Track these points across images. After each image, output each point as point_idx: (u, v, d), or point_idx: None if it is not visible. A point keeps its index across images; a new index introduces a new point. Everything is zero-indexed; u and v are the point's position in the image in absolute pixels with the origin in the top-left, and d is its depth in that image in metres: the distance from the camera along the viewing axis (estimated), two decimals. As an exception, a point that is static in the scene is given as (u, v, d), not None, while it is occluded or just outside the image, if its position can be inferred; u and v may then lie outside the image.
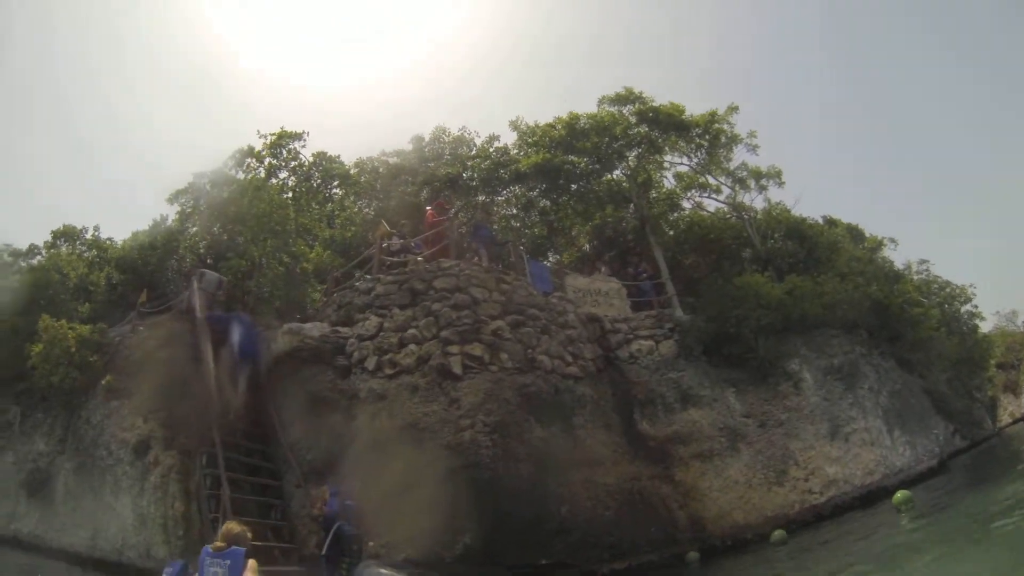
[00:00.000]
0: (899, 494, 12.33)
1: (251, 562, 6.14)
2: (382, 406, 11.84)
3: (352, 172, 23.67)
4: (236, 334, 13.08)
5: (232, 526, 6.57)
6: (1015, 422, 28.00)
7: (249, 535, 6.56)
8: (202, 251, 19.10)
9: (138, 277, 18.81)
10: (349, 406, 12.06)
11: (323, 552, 8.99)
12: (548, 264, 17.54)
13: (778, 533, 12.61)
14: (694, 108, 21.73)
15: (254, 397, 12.91)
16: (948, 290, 29.91)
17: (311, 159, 23.01)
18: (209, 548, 6.27)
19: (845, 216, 27.97)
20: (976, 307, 29.82)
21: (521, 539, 10.69)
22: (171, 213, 21.16)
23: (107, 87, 79.86)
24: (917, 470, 15.71)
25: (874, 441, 15.30)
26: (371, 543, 9.27)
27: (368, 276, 14.43)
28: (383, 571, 8.68)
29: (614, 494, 12.15)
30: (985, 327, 33.76)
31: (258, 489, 11.85)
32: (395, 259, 14.74)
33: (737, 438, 14.39)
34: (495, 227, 18.96)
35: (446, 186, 19.99)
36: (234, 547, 6.19)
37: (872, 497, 14.04)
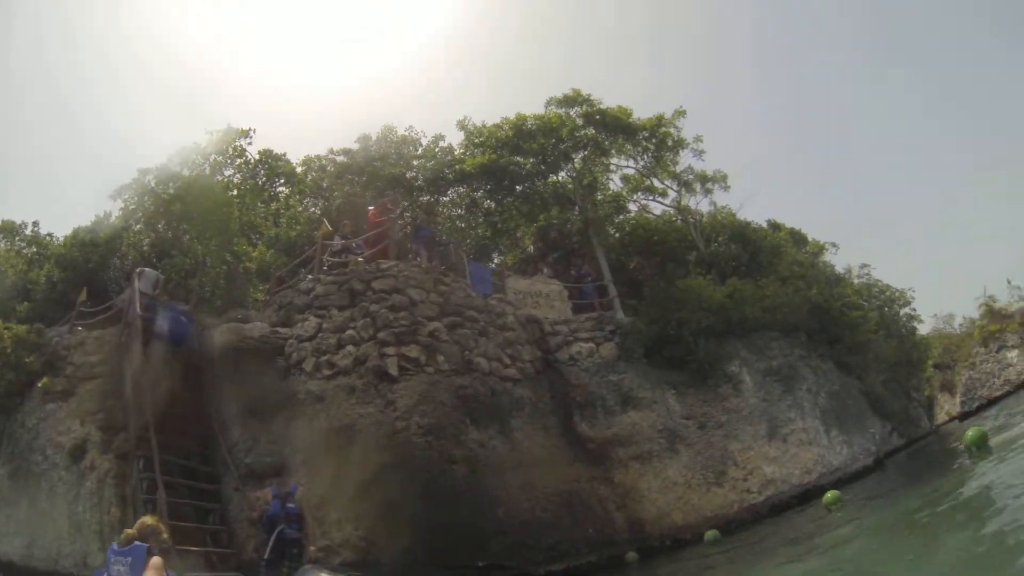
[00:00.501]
0: (829, 494, 12.57)
1: (154, 560, 5.63)
2: (320, 408, 11.64)
3: (299, 170, 23.19)
4: (165, 321, 12.79)
5: (145, 520, 6.23)
6: (951, 420, 28.82)
7: (164, 532, 6.25)
8: (146, 249, 18.54)
9: (79, 275, 18.11)
10: (288, 408, 11.83)
11: (265, 556, 8.78)
12: (492, 265, 17.43)
13: (711, 533, 12.79)
14: (645, 113, 21.79)
15: (192, 398, 12.55)
16: (888, 294, 30.63)
17: (257, 156, 22.49)
18: (115, 545, 5.86)
19: (790, 221, 28.39)
20: (915, 310, 30.60)
21: (458, 541, 10.57)
22: (114, 210, 20.43)
23: (55, 75, 77.50)
24: (854, 468, 16.09)
25: (812, 441, 15.56)
26: (312, 547, 9.08)
27: (309, 276, 14.20)
28: (323, 575, 8.54)
29: (552, 496, 12.12)
30: (923, 329, 34.78)
31: (196, 493, 11.49)
32: (336, 259, 14.53)
33: (677, 439, 14.44)
34: (438, 227, 18.77)
35: (391, 186, 19.74)
36: (136, 543, 5.85)
37: (809, 495, 14.30)
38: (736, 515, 13.80)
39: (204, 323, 13.62)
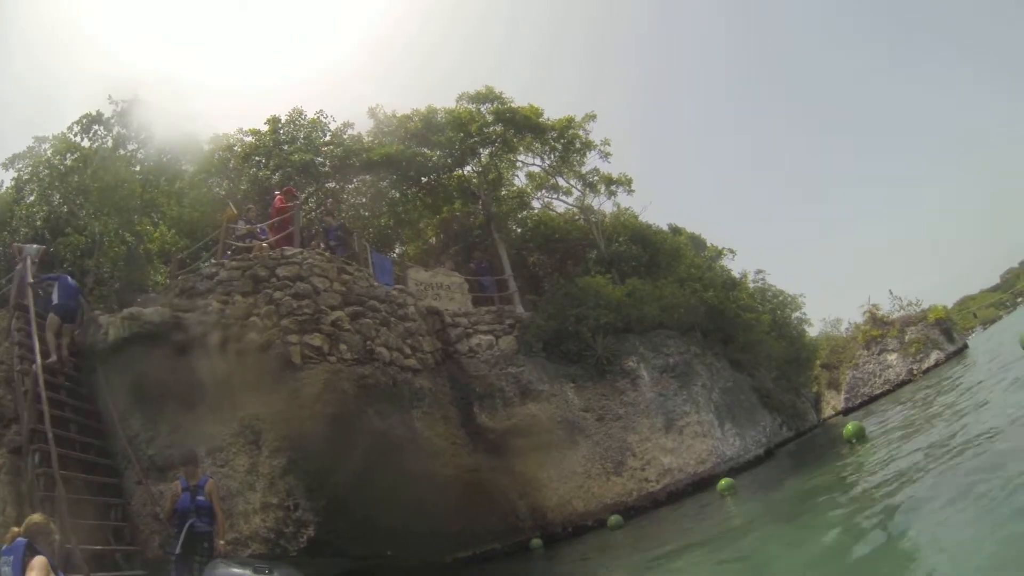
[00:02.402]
0: (723, 481, 13.06)
1: (37, 559, 5.33)
2: (222, 395, 11.12)
3: (206, 148, 22.15)
4: (56, 293, 12.16)
5: (33, 518, 5.88)
6: (836, 415, 30.42)
7: (55, 532, 5.90)
8: (39, 224, 17.17)
9: None
10: (189, 397, 11.17)
11: (175, 551, 8.34)
12: (393, 256, 17.19)
13: (614, 518, 13.03)
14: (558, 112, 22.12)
15: (87, 385, 11.78)
16: (781, 298, 32.11)
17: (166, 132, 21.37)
18: (3, 545, 5.55)
19: (691, 226, 29.42)
20: (805, 314, 32.19)
21: (363, 531, 10.37)
22: (6, 180, 19.27)
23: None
24: (746, 458, 16.71)
25: (706, 433, 16.02)
26: (221, 541, 8.71)
27: (212, 260, 13.67)
28: (234, 569, 8.15)
29: (455, 485, 12.04)
30: (812, 332, 36.60)
31: (95, 488, 10.60)
32: (240, 244, 14.06)
33: (576, 431, 14.64)
34: (342, 219, 18.33)
35: (298, 171, 19.21)
36: (17, 539, 5.50)
37: (704, 484, 14.74)
38: (635, 502, 14.12)
39: (95, 311, 12.93)
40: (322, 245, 14.69)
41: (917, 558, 4.98)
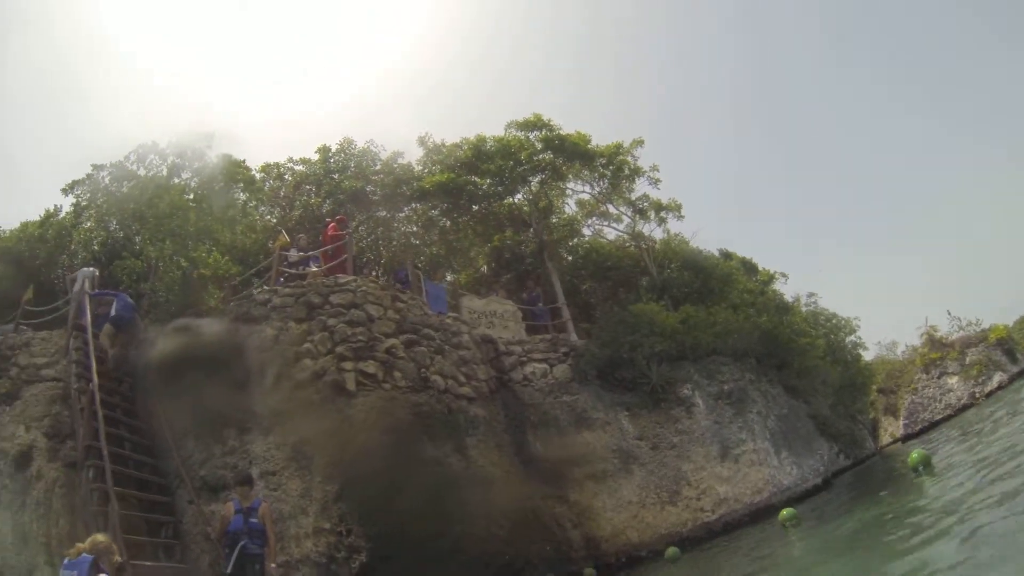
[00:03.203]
0: (784, 511, 12.72)
1: None
2: (275, 419, 11.40)
3: (257, 177, 22.85)
4: (114, 306, 12.80)
5: (98, 537, 6.16)
6: (894, 442, 29.56)
7: (116, 553, 6.13)
8: (96, 248, 17.94)
9: (24, 271, 17.49)
10: (243, 420, 11.55)
11: (226, 572, 8.56)
12: (444, 284, 17.41)
13: (671, 550, 12.76)
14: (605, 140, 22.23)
15: (142, 405, 12.21)
16: (834, 321, 31.46)
17: (216, 161, 22.14)
18: (67, 559, 5.86)
19: (741, 250, 29.09)
20: (860, 338, 31.46)
21: (416, 558, 10.36)
22: (66, 205, 20.02)
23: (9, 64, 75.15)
24: (803, 488, 16.32)
25: (762, 461, 15.74)
26: (272, 564, 8.89)
27: (266, 287, 14.00)
28: None
29: (508, 514, 11.98)
30: (868, 356, 35.77)
31: (147, 506, 10.98)
32: (293, 271, 14.41)
33: (630, 460, 14.52)
34: (393, 245, 18.60)
35: (349, 199, 19.64)
36: (83, 555, 5.76)
37: (761, 514, 14.45)
38: (690, 533, 13.89)
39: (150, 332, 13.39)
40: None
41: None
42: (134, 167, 20.09)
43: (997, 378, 26.89)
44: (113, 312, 12.79)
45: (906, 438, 28.02)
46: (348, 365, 11.92)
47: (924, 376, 29.79)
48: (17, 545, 10.95)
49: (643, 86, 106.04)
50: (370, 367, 12.04)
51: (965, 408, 26.50)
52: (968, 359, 28.41)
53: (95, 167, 20.01)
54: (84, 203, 19.71)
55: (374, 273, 14.91)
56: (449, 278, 21.98)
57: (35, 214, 20.06)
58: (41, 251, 18.15)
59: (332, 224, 16.00)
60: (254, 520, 8.82)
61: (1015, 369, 27.10)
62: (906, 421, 29.15)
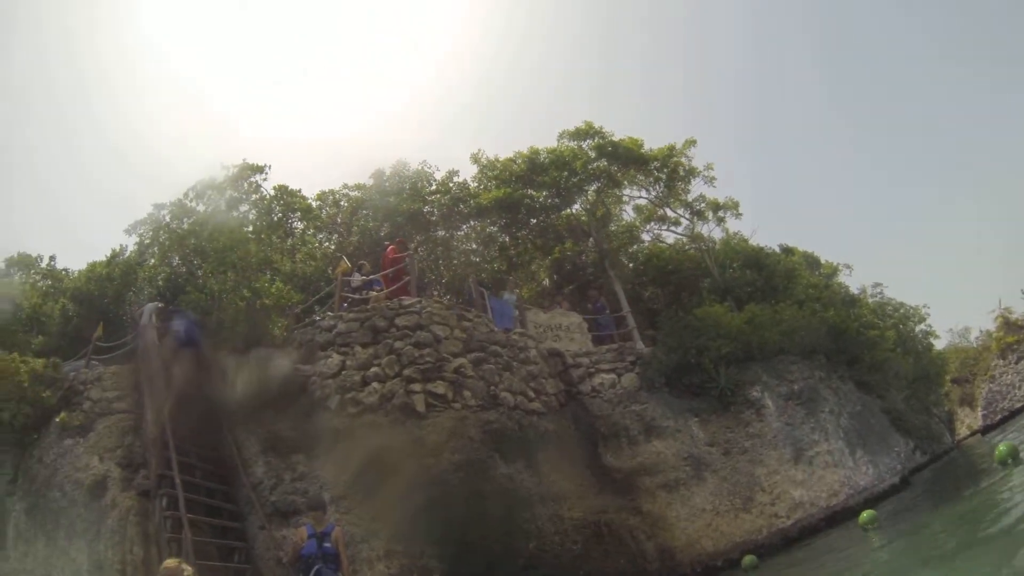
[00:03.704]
0: (864, 514, 12.52)
1: None
2: (347, 446, 11.69)
3: (313, 205, 23.45)
4: (179, 324, 13.20)
5: (169, 563, 6.51)
6: (973, 434, 28.61)
7: (187, 572, 6.47)
8: (160, 284, 18.58)
9: (94, 309, 18.34)
10: (312, 446, 11.91)
11: None
12: (511, 295, 17.55)
13: (748, 558, 12.65)
14: (655, 142, 22.18)
15: (212, 432, 12.61)
16: (902, 311, 30.67)
17: (272, 192, 22.86)
18: None
19: (802, 244, 28.63)
20: (930, 326, 30.58)
21: (490, 575, 10.63)
22: (129, 244, 20.87)
23: (69, 114, 78.70)
24: (881, 488, 15.99)
25: (837, 463, 15.51)
26: None
27: (330, 313, 14.39)
28: None
29: (581, 528, 12.11)
30: (939, 344, 34.72)
31: (219, 532, 11.42)
32: (356, 296, 14.76)
33: (702, 467, 14.45)
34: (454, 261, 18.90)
35: (407, 221, 20.04)
36: None
37: (838, 517, 14.23)
38: (765, 540, 13.71)
39: (222, 363, 13.84)
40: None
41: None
42: (193, 203, 20.81)
43: (1081, 360, 25.86)
44: (177, 328, 13.17)
45: (985, 429, 27.13)
46: (417, 387, 12.21)
47: (1001, 362, 28.76)
48: (93, 573, 11.39)
49: (713, 86, 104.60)
50: (439, 387, 12.31)
51: (1049, 394, 25.57)
52: (1049, 341, 27.36)
53: (156, 206, 20.78)
54: (147, 242, 20.47)
55: (436, 293, 15.13)
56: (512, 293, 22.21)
57: (101, 255, 20.93)
58: (109, 289, 18.92)
59: (391, 247, 16.32)
60: (328, 544, 9.05)
61: (1099, 350, 26.02)
62: (984, 411, 28.20)
